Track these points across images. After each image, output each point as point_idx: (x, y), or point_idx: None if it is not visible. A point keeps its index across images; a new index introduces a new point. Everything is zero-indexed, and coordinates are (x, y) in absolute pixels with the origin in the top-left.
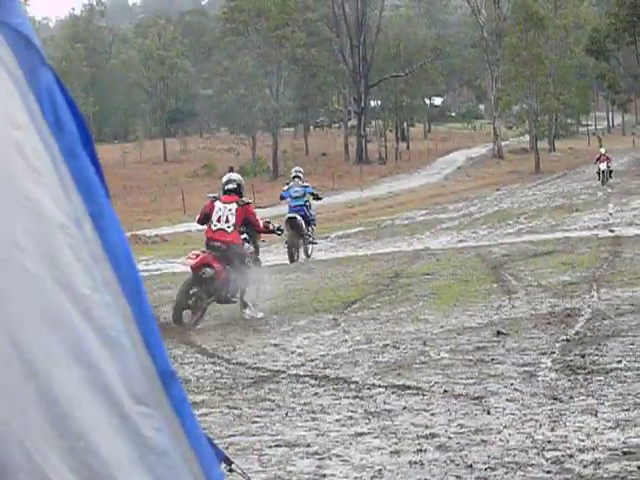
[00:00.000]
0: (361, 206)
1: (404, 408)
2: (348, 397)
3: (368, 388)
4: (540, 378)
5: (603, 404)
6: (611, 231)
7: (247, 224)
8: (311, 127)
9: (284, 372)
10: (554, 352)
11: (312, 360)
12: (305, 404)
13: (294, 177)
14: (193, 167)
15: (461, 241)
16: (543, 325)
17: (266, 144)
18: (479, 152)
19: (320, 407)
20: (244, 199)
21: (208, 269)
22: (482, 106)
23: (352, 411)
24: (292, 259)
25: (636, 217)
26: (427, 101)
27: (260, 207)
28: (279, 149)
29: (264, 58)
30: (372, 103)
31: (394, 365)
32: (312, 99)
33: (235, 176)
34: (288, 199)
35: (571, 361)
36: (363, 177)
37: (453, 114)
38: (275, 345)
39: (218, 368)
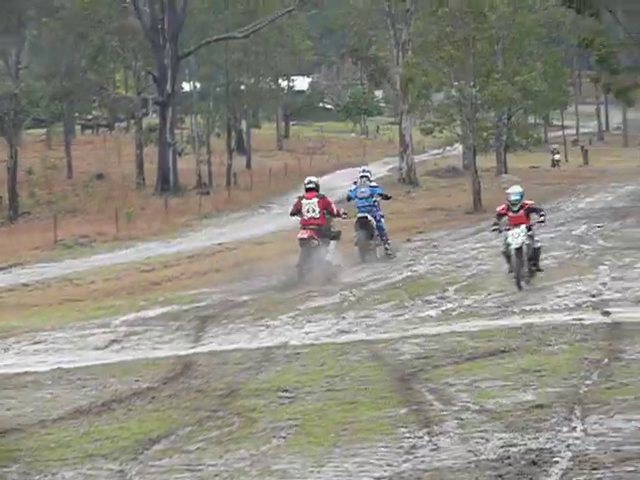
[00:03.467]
0: (167, 270)
1: None
2: None
3: None
4: None
5: None
6: (605, 313)
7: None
8: (78, 128)
9: None
10: None
11: None
12: None
13: (362, 177)
14: None
15: (344, 332)
16: None
17: None
18: (375, 173)
19: None
20: (321, 193)
21: (313, 240)
22: (380, 93)
23: None
24: (363, 259)
25: None
26: (284, 83)
27: None
28: (21, 167)
29: None
30: (186, 86)
31: None
32: (81, 79)
33: (313, 178)
34: (355, 200)
35: None
36: (170, 218)
37: (329, 106)
38: None
39: None
